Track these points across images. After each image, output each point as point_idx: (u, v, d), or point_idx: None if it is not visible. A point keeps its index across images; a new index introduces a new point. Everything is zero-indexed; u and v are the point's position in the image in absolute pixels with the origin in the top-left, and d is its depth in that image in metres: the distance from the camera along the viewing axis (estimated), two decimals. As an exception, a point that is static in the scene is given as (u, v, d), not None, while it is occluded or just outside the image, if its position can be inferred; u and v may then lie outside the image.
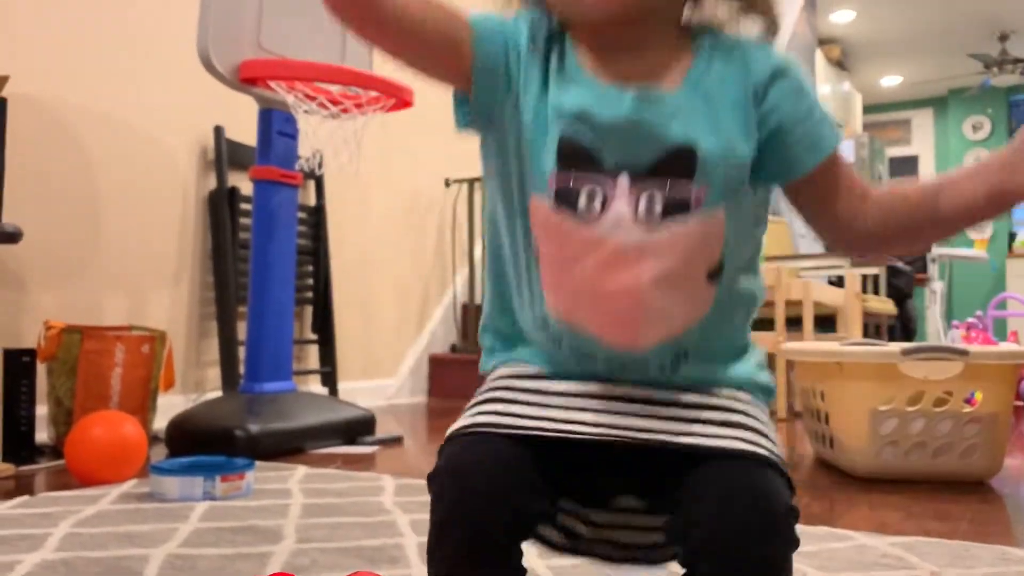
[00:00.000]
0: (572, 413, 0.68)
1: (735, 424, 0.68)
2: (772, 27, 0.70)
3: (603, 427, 0.67)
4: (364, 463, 2.05)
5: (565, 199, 0.65)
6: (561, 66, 0.67)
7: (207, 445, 2.05)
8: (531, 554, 0.80)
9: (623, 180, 0.64)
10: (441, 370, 3.66)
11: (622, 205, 0.64)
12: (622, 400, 0.69)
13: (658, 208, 0.64)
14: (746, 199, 0.67)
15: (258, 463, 1.81)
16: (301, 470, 1.84)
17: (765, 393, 0.74)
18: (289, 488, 1.64)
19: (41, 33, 2.30)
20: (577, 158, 0.64)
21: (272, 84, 2.14)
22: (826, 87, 7.14)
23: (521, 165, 0.67)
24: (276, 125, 2.27)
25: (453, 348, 3.78)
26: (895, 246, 0.73)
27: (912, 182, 0.71)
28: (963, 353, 1.72)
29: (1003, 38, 7.19)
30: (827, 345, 1.87)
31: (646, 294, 0.65)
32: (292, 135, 2.30)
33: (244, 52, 2.14)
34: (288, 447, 2.13)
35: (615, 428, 0.67)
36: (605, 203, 0.64)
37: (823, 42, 7.17)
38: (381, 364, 3.48)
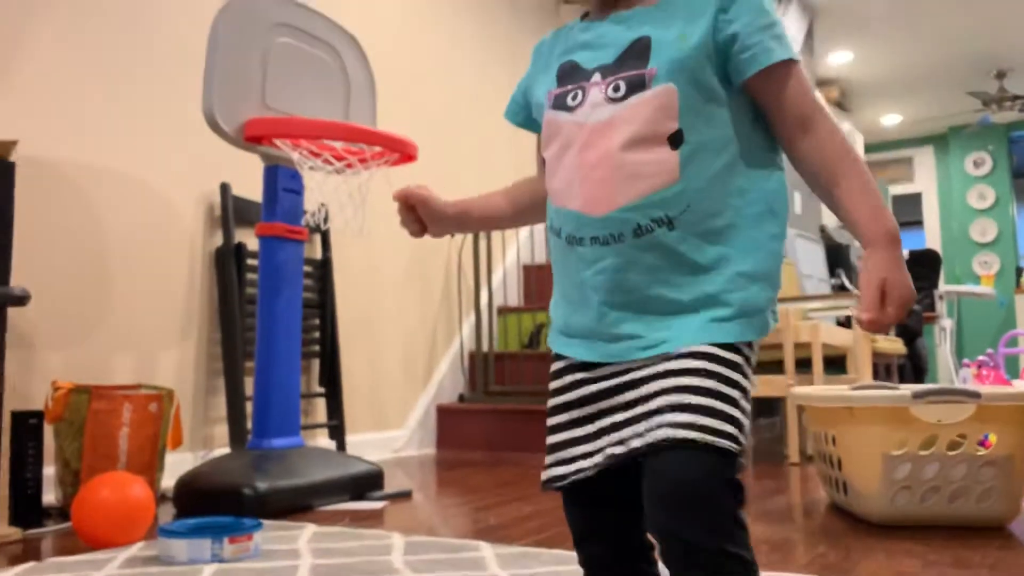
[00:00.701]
0: (568, 450, 0.84)
1: (679, 406, 0.76)
2: None
3: (590, 456, 0.83)
4: (373, 520, 2.03)
5: (560, 103, 0.84)
6: (571, 28, 0.89)
7: (215, 504, 2.04)
8: None
9: (596, 76, 0.82)
10: (449, 421, 3.64)
11: (596, 93, 0.81)
12: (598, 399, 0.83)
13: (623, 88, 0.80)
14: (702, 84, 0.79)
15: (266, 522, 1.79)
16: (309, 529, 1.82)
17: (751, 318, 0.80)
18: (297, 548, 1.62)
19: (48, 93, 2.34)
20: (567, 74, 0.85)
21: (277, 142, 2.16)
22: (827, 127, 7.19)
23: (536, 111, 0.91)
24: (282, 182, 2.29)
25: (461, 398, 3.76)
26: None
27: (826, 178, 0.81)
28: (975, 395, 1.70)
29: (1000, 75, 7.25)
30: (837, 389, 1.85)
31: (617, 156, 0.79)
32: (297, 191, 2.32)
33: (249, 111, 2.16)
34: (296, 504, 2.12)
35: (595, 454, 0.82)
36: (583, 96, 0.82)
37: (822, 83, 7.25)
38: (389, 416, 3.46)
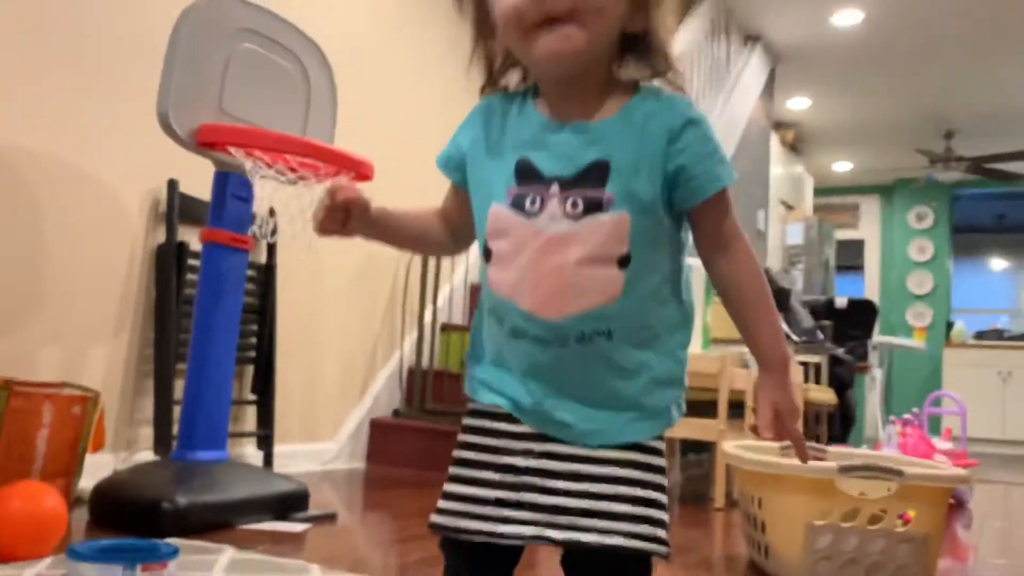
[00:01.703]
0: (486, 507, 0.89)
1: (606, 515, 0.85)
2: (675, 86, 0.90)
3: (514, 523, 0.87)
4: (293, 543, 2.00)
5: (518, 204, 0.87)
6: (522, 112, 0.90)
7: (133, 516, 1.99)
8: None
9: (555, 187, 0.85)
10: (382, 435, 3.61)
11: (555, 205, 0.85)
12: (524, 469, 0.88)
13: (580, 207, 0.84)
14: (650, 212, 0.85)
15: (183, 543, 1.75)
16: (227, 553, 1.78)
17: (658, 419, 0.89)
18: (213, 576, 1.58)
19: (-4, 78, 2.26)
20: (526, 174, 0.87)
21: (231, 149, 2.12)
22: (779, 168, 7.33)
23: (481, 192, 0.92)
24: (231, 188, 2.24)
25: (396, 413, 3.73)
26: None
27: (740, 300, 0.88)
28: (898, 474, 1.74)
29: (948, 136, 7.48)
30: (767, 454, 1.88)
31: (571, 270, 0.84)
32: (246, 199, 2.27)
33: (204, 116, 2.12)
34: (217, 521, 2.07)
35: (522, 524, 0.87)
36: (543, 204, 0.85)
37: (779, 126, 7.39)
38: (321, 427, 3.42)
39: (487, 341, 0.94)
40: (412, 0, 3.92)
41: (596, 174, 0.84)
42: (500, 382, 0.91)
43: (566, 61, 0.84)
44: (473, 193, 0.94)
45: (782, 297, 5.37)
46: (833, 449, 2.33)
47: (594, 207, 0.84)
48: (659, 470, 0.89)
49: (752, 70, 5.62)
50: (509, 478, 0.88)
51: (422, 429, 3.53)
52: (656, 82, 0.90)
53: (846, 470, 1.75)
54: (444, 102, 4.10)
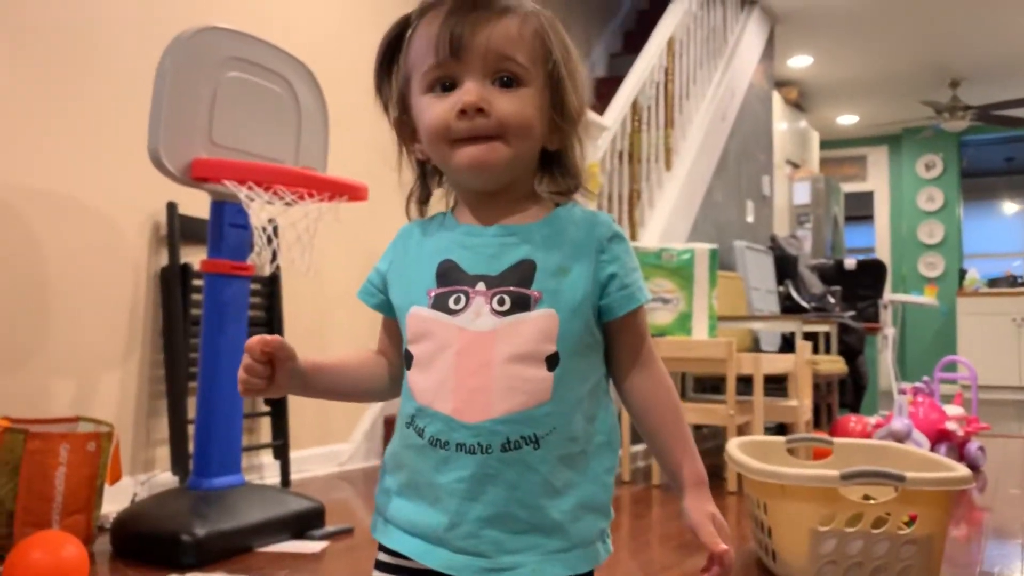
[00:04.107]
0: None
1: None
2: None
3: None
4: (313, 565, 2.05)
5: (440, 304, 0.84)
6: (443, 225, 0.89)
7: (153, 547, 2.05)
8: None
9: (480, 285, 0.82)
10: (396, 432, 3.65)
11: (480, 302, 0.82)
12: None
13: (507, 303, 0.81)
14: (579, 314, 0.83)
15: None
16: (246, 587, 1.82)
17: (584, 552, 0.83)
18: (232, 617, 1.63)
19: (-12, 120, 2.27)
20: (449, 274, 0.84)
21: (224, 181, 2.13)
22: (783, 125, 7.27)
23: (403, 301, 0.88)
24: (228, 217, 2.26)
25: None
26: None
27: (654, 419, 0.86)
28: (900, 479, 1.76)
29: (954, 84, 7.37)
30: (770, 467, 1.89)
31: (497, 368, 0.80)
32: (244, 226, 2.29)
33: (196, 149, 2.12)
34: (235, 547, 2.12)
35: None
36: (468, 301, 0.82)
37: (781, 84, 7.30)
38: (335, 429, 3.47)
39: (400, 464, 0.86)
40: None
41: (522, 273, 0.83)
42: (411, 516, 0.84)
43: (489, 172, 0.83)
44: (396, 307, 0.89)
45: (790, 264, 5.36)
46: (839, 441, 2.36)
47: (522, 304, 0.81)
48: None
49: (750, 34, 5.55)
50: None
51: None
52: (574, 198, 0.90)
53: (848, 477, 1.77)
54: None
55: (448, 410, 0.81)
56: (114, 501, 2.37)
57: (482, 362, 0.80)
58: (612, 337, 0.87)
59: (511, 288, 0.82)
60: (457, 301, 0.83)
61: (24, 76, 2.36)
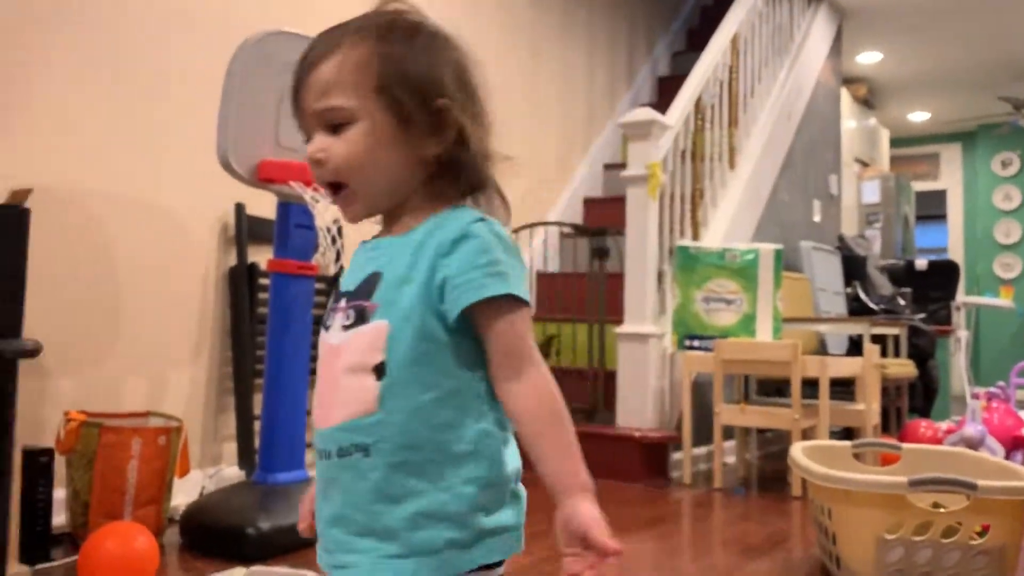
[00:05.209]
0: None
1: None
2: (487, 202, 0.89)
3: None
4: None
5: (324, 322, 0.88)
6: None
7: (219, 540, 2.10)
8: None
9: (343, 301, 0.86)
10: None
11: (340, 318, 0.85)
12: None
13: (352, 317, 0.84)
14: (411, 320, 0.81)
15: (266, 570, 1.83)
16: (309, 581, 1.86)
17: (426, 559, 0.80)
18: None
19: (59, 122, 2.36)
20: (334, 293, 0.89)
21: (290, 182, 2.17)
22: (851, 122, 7.10)
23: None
24: (293, 218, 2.30)
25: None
26: None
27: (531, 430, 0.80)
28: (971, 487, 1.71)
29: (1033, 79, 7.11)
30: (835, 472, 1.85)
31: (339, 379, 0.83)
32: (309, 226, 2.33)
33: (263, 152, 2.17)
34: (298, 541, 2.16)
35: None
36: (334, 318, 0.86)
37: (849, 81, 7.13)
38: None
39: None
40: (523, 27, 3.92)
41: (369, 286, 0.84)
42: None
43: (352, 218, 0.88)
44: None
45: (858, 265, 5.24)
46: (907, 446, 2.30)
47: (361, 317, 0.83)
48: None
49: (817, 30, 5.43)
50: None
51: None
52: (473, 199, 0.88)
53: (917, 484, 1.72)
54: (560, 120, 4.11)
55: (315, 418, 0.87)
56: (183, 494, 2.44)
57: (331, 374, 0.85)
58: (481, 342, 0.83)
59: (356, 302, 0.84)
60: (329, 318, 0.87)
61: (100, 85, 2.44)
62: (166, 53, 2.62)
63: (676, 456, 3.37)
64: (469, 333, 0.82)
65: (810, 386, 3.18)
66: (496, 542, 0.83)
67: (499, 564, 0.84)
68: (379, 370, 0.81)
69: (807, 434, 3.12)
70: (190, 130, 2.63)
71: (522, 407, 0.82)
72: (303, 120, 0.87)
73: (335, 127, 0.84)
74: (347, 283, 0.87)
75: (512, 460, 0.85)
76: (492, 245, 0.82)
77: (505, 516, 0.83)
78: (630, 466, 3.23)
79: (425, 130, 0.85)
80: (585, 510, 0.78)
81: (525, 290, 0.83)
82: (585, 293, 3.67)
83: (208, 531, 2.15)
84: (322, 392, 0.86)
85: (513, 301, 0.81)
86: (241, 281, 2.75)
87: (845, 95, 6.74)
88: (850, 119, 7.01)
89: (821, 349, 4.56)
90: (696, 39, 5.80)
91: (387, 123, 0.84)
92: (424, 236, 0.83)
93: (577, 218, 4.66)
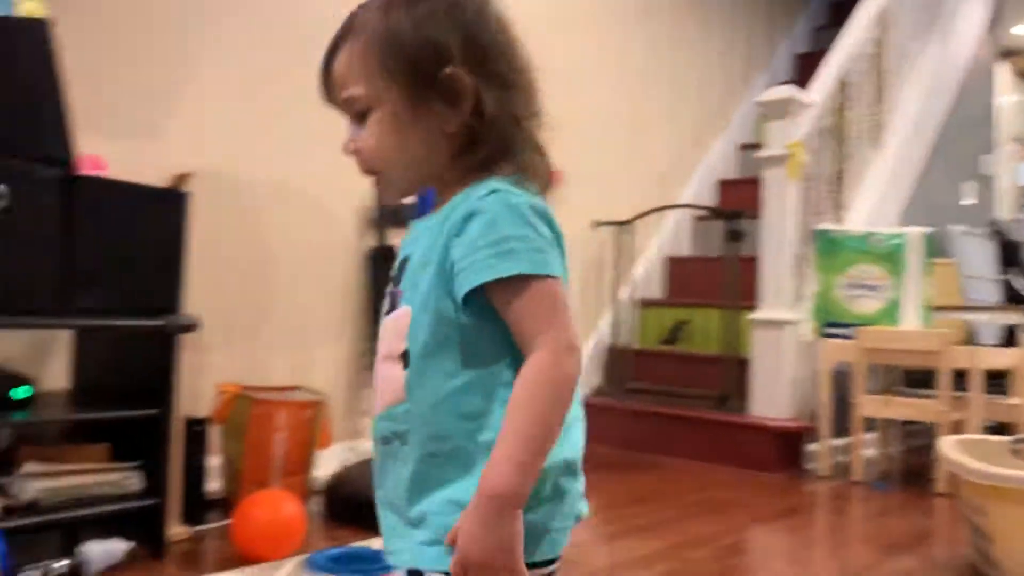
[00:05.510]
0: None
1: None
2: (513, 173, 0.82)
3: None
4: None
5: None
6: None
7: (358, 511, 2.18)
8: None
9: (389, 286, 0.85)
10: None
11: (386, 305, 0.84)
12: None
13: (388, 304, 0.84)
14: (429, 306, 0.78)
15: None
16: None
17: (442, 543, 0.76)
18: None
19: (221, 111, 2.49)
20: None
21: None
22: (1010, 99, 6.65)
23: None
24: (430, 201, 2.35)
25: (598, 391, 3.79)
26: None
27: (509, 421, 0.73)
28: None
29: None
30: (992, 468, 1.75)
31: (378, 368, 0.83)
32: (446, 209, 2.38)
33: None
34: (434, 515, 2.22)
35: None
36: (388, 304, 0.84)
37: (1007, 54, 6.67)
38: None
39: None
40: (634, 23, 3.90)
41: (400, 271, 0.84)
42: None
43: (389, 202, 0.89)
44: None
45: (1013, 250, 4.91)
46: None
47: (393, 304, 0.83)
48: None
49: (971, 1, 5.10)
50: None
51: (622, 409, 3.57)
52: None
53: (1084, 485, 1.61)
54: (669, 112, 4.07)
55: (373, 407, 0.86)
56: (326, 466, 2.55)
57: (377, 362, 0.84)
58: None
59: (393, 288, 0.84)
60: (384, 304, 0.87)
61: (256, 81, 2.56)
62: (316, 55, 2.71)
63: (811, 447, 3.27)
64: (491, 316, 0.77)
65: (958, 378, 3.01)
66: (531, 540, 0.75)
67: (545, 564, 0.79)
68: (404, 358, 0.79)
69: (956, 429, 2.96)
70: (335, 116, 2.72)
71: (514, 388, 0.75)
72: (339, 109, 0.88)
73: (361, 116, 0.84)
74: (394, 268, 0.87)
75: (554, 452, 0.75)
76: (500, 219, 0.76)
77: (541, 514, 0.77)
78: (763, 455, 3.15)
79: (441, 104, 0.80)
80: (468, 523, 0.73)
81: (542, 261, 0.75)
82: (719, 277, 3.59)
83: (348, 501, 2.24)
84: (374, 379, 0.85)
85: (522, 279, 0.74)
86: (380, 262, 2.84)
87: (1002, 69, 6.31)
88: (1008, 95, 6.56)
89: (971, 339, 4.31)
90: (839, 13, 5.55)
91: (401, 104, 0.81)
92: (447, 214, 0.79)
93: (710, 200, 4.56)
